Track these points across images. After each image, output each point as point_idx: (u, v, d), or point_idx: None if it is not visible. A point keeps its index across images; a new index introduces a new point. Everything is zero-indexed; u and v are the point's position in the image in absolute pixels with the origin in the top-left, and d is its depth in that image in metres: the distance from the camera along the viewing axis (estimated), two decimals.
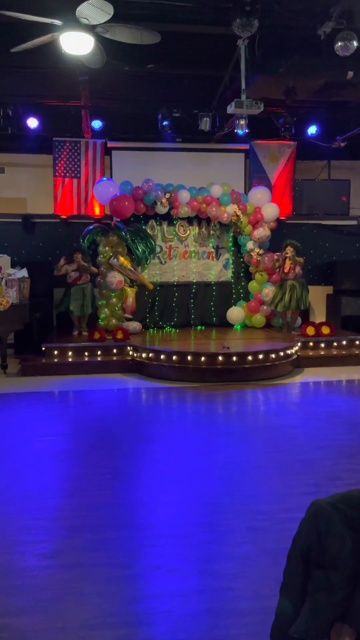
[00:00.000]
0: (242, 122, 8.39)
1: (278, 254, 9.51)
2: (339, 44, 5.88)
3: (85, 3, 5.03)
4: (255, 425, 5.80)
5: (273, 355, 7.91)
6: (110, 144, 10.36)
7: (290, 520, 3.28)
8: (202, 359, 7.71)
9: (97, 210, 10.37)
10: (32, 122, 9.41)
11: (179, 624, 2.57)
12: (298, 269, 9.35)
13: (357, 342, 9.06)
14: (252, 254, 10.15)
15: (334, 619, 1.97)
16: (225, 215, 9.96)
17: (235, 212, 10.01)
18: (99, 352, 8.54)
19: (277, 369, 7.95)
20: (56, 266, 9.10)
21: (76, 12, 5.20)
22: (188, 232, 10.39)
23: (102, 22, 5.31)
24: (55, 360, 8.35)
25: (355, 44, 5.86)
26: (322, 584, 1.96)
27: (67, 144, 10.19)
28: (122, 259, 9.45)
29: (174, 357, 7.80)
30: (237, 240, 10.47)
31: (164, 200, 9.77)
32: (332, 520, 1.98)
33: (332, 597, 1.94)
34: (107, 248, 9.58)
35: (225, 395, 7.00)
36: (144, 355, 8.16)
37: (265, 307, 10.08)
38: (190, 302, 10.51)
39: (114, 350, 8.58)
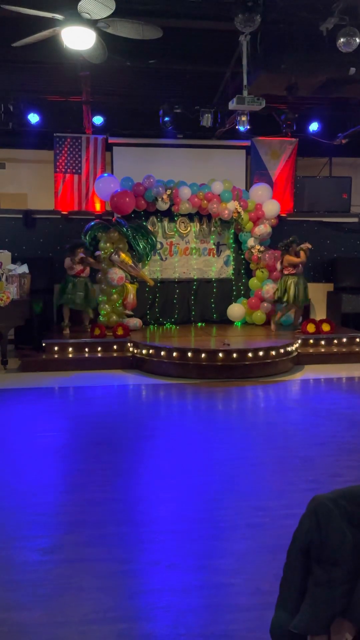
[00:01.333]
0: (244, 118, 8.39)
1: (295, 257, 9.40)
2: (342, 40, 5.86)
3: None
4: (255, 422, 5.80)
5: (273, 352, 7.90)
6: (111, 140, 10.33)
7: (290, 516, 3.28)
8: (203, 355, 7.70)
9: (97, 207, 10.35)
10: (33, 118, 9.39)
11: (179, 619, 2.57)
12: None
13: (358, 340, 9.04)
14: (253, 250, 10.15)
15: (334, 615, 1.97)
16: (226, 211, 9.94)
17: (236, 208, 10.00)
18: (99, 348, 8.54)
19: (277, 366, 7.95)
20: (74, 259, 9.01)
21: (78, 7, 5.18)
22: (189, 228, 10.37)
23: (104, 17, 5.29)
24: (56, 356, 8.35)
25: (357, 40, 5.84)
26: (322, 580, 1.96)
27: (68, 140, 10.16)
28: (123, 255, 9.44)
29: (174, 354, 7.80)
30: (238, 237, 10.45)
31: (164, 197, 9.76)
32: (332, 516, 1.98)
33: (332, 592, 1.94)
34: (108, 244, 9.57)
35: (225, 392, 7.01)
36: (144, 351, 8.16)
37: (265, 304, 10.08)
38: (190, 299, 10.50)
39: (115, 347, 8.57)
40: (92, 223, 9.66)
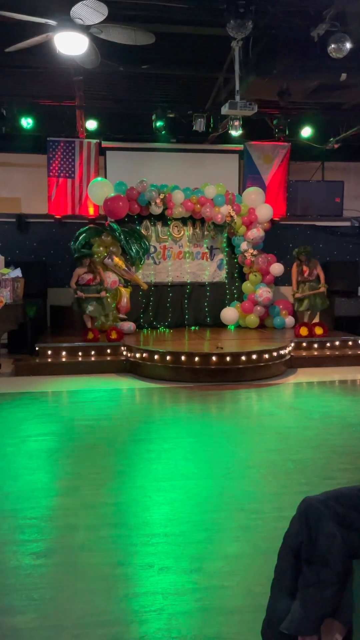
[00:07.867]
0: (236, 123, 8.44)
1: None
2: (333, 45, 5.91)
3: (79, 3, 5.04)
4: (248, 425, 5.82)
5: (266, 356, 7.93)
6: (104, 144, 10.37)
7: (282, 519, 3.29)
8: (196, 359, 7.72)
9: (91, 211, 10.36)
10: (27, 122, 9.40)
11: (172, 622, 2.58)
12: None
13: (350, 343, 9.10)
14: (246, 254, 10.19)
15: (324, 615, 1.98)
16: (220, 215, 9.98)
17: (229, 212, 10.04)
18: (92, 352, 8.54)
19: (271, 370, 7.97)
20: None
21: (71, 12, 5.21)
22: (182, 232, 10.40)
23: (97, 22, 5.32)
24: (49, 360, 8.34)
25: (348, 45, 5.89)
26: (312, 581, 1.98)
27: (62, 144, 10.18)
28: (116, 259, 9.46)
29: (168, 358, 7.80)
30: (231, 241, 10.49)
31: (158, 201, 9.78)
32: (322, 517, 2.00)
33: (322, 593, 1.96)
34: (101, 248, 9.59)
35: (219, 396, 7.02)
36: (137, 355, 8.17)
37: (259, 308, 10.11)
38: (184, 303, 10.52)
39: (108, 351, 8.58)
40: (85, 227, 9.67)
